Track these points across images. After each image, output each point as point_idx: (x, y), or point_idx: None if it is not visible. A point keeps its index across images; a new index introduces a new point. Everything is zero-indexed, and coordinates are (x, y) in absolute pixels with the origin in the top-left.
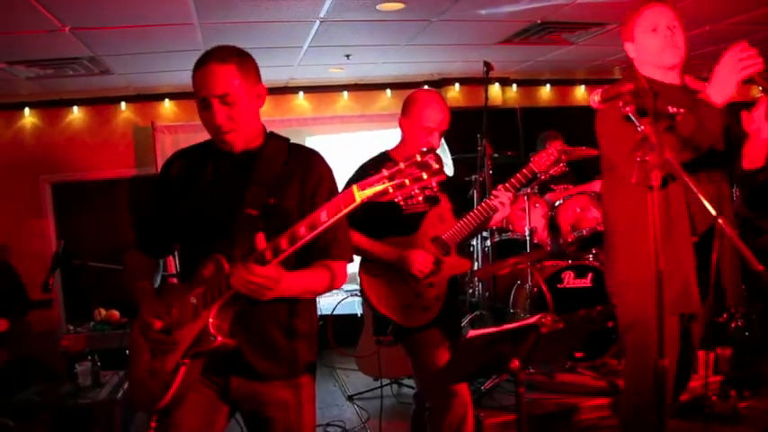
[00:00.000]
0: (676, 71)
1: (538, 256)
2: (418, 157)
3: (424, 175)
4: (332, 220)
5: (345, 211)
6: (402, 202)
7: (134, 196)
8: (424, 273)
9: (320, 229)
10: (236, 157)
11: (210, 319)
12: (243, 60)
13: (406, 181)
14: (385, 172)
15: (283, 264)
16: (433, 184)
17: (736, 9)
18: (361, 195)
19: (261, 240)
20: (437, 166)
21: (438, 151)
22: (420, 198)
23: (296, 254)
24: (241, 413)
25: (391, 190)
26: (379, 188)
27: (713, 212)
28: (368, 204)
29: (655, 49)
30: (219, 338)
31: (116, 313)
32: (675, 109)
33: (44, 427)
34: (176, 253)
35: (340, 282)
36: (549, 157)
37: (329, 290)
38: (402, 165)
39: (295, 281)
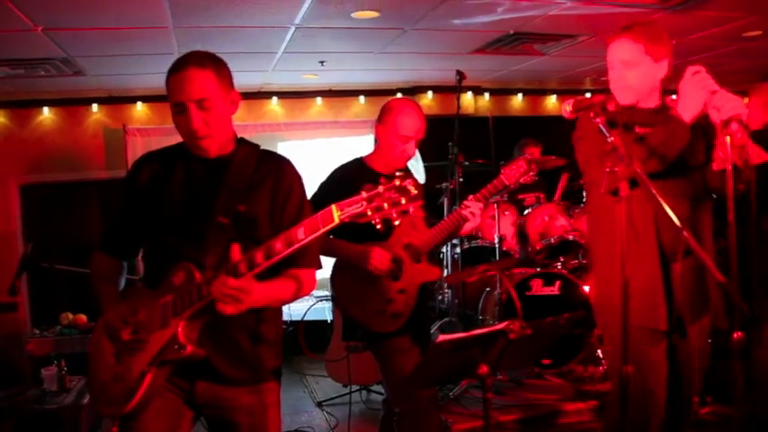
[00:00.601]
0: (655, 93)
1: (507, 264)
2: (397, 182)
3: (403, 200)
4: (309, 239)
5: (323, 230)
6: (380, 224)
7: (104, 199)
8: (381, 270)
9: (296, 246)
10: (208, 162)
11: (180, 328)
12: (219, 66)
13: (385, 205)
14: (364, 194)
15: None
16: (411, 210)
17: (701, 25)
18: (339, 216)
19: (236, 252)
20: (415, 192)
21: (411, 159)
22: (395, 220)
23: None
24: (205, 418)
25: (369, 212)
26: (357, 210)
27: (678, 224)
28: None
29: (612, 86)
30: (189, 348)
31: (83, 317)
32: (644, 130)
33: None
34: (141, 256)
35: (308, 289)
36: (519, 168)
37: (297, 298)
38: (381, 188)
39: (264, 292)
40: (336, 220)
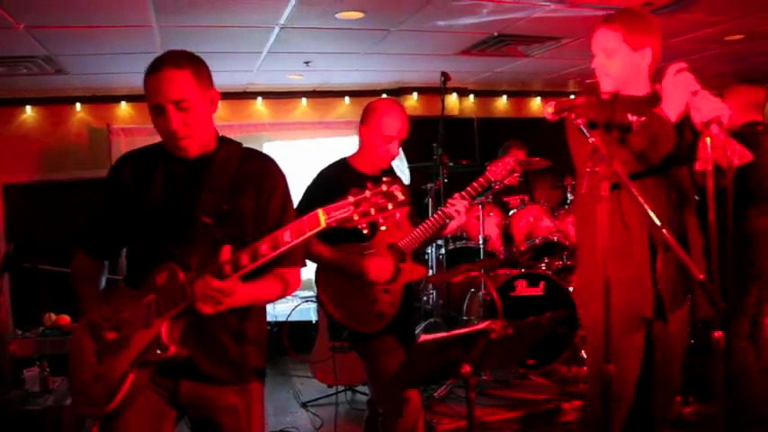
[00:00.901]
0: (642, 81)
1: (491, 264)
2: (384, 187)
3: (390, 206)
4: (295, 242)
5: (309, 234)
6: (366, 229)
7: (88, 199)
8: (386, 278)
9: (282, 249)
10: (189, 162)
11: (163, 329)
12: (197, 65)
13: (372, 210)
14: (351, 198)
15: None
16: (397, 216)
17: (685, 28)
18: (326, 220)
19: (226, 253)
20: (402, 198)
21: (395, 160)
22: (381, 225)
23: None
24: (189, 418)
25: (356, 217)
26: (344, 214)
27: (657, 223)
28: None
29: (596, 74)
30: (173, 348)
31: (66, 318)
32: (634, 117)
33: None
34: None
35: (293, 288)
36: (506, 166)
37: (282, 297)
38: (368, 193)
39: (248, 292)
40: (323, 224)
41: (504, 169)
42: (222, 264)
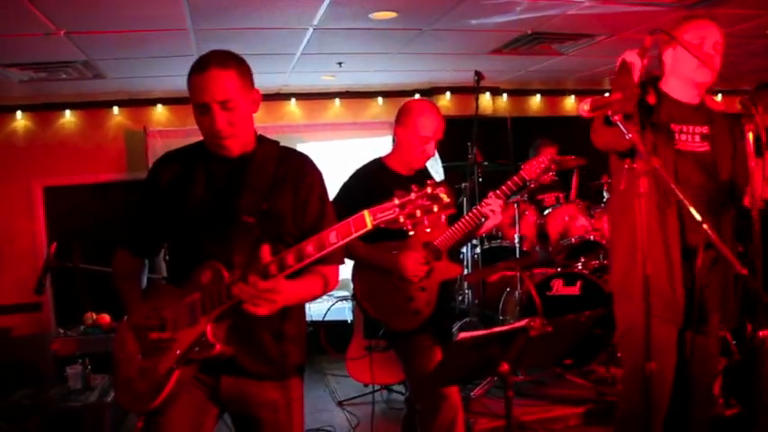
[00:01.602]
0: (700, 89)
1: (527, 262)
2: (429, 189)
3: (435, 208)
4: (341, 243)
5: (356, 234)
6: (412, 230)
7: (126, 200)
8: (419, 275)
9: (328, 250)
10: (230, 161)
11: (209, 327)
12: (241, 66)
13: (417, 212)
14: (396, 201)
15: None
16: (443, 218)
17: (724, 23)
18: (372, 222)
19: (266, 252)
20: (447, 200)
21: (430, 160)
22: (426, 226)
23: None
24: (230, 414)
25: (402, 219)
26: (390, 216)
27: (698, 218)
28: (363, 208)
29: (693, 64)
30: (218, 346)
31: (106, 317)
32: (678, 127)
33: (35, 429)
34: (165, 255)
35: (333, 285)
36: (540, 165)
37: (323, 294)
38: (413, 195)
39: (295, 290)
40: (369, 226)
41: (538, 168)
42: (268, 264)
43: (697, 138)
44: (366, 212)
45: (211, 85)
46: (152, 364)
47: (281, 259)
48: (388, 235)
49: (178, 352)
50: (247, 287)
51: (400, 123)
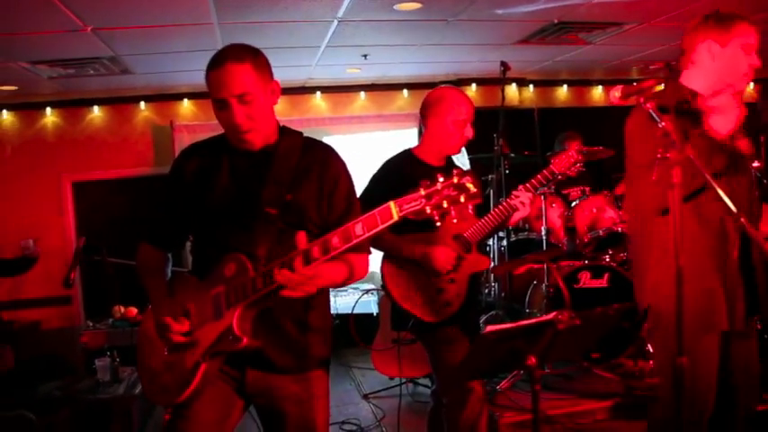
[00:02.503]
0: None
1: (554, 254)
2: (455, 179)
3: (462, 198)
4: (368, 235)
5: (382, 227)
6: (438, 220)
7: (153, 194)
8: (448, 269)
9: (354, 242)
10: (252, 155)
11: (235, 320)
12: (257, 58)
13: (444, 203)
14: (422, 191)
15: None
16: (470, 208)
17: (757, 7)
18: (398, 213)
19: (302, 239)
20: (474, 190)
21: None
22: (453, 216)
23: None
24: (255, 407)
25: (428, 210)
26: (416, 207)
27: (734, 210)
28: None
29: (738, 71)
30: (246, 340)
31: (134, 310)
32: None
33: (64, 420)
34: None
35: (359, 274)
36: (569, 158)
37: (350, 282)
38: (439, 185)
39: (325, 274)
40: (396, 218)
41: (567, 161)
42: (293, 257)
43: None
44: (392, 203)
45: (227, 80)
46: (178, 358)
47: (307, 252)
48: (418, 226)
49: (204, 346)
50: (292, 273)
51: (433, 114)
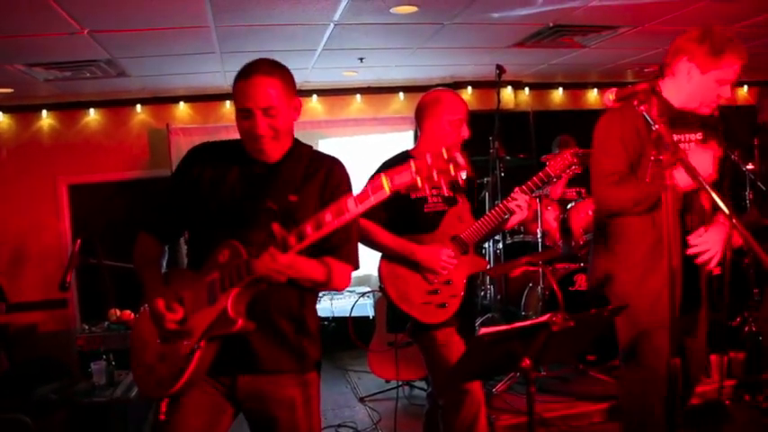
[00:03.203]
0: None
1: (549, 256)
2: (444, 153)
3: (452, 169)
4: (360, 209)
5: (374, 199)
6: (428, 195)
7: (149, 197)
8: (447, 269)
9: (347, 216)
10: (265, 165)
11: (230, 303)
12: (285, 74)
13: (434, 174)
14: (413, 165)
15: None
16: (461, 179)
17: (748, 12)
18: (390, 186)
19: (277, 229)
20: (462, 161)
21: None
22: (443, 193)
23: (309, 249)
24: (245, 413)
25: (419, 182)
26: (406, 179)
27: (727, 212)
28: (391, 203)
29: (708, 98)
30: (240, 321)
31: (130, 314)
32: (677, 136)
33: (60, 424)
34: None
35: (339, 282)
36: (564, 161)
37: (327, 286)
38: (429, 159)
39: (302, 265)
40: (387, 191)
41: (563, 164)
42: (287, 235)
43: (692, 145)
44: (383, 176)
45: (255, 92)
46: (172, 348)
47: (301, 230)
48: (416, 228)
49: (199, 332)
50: (266, 259)
51: (428, 115)
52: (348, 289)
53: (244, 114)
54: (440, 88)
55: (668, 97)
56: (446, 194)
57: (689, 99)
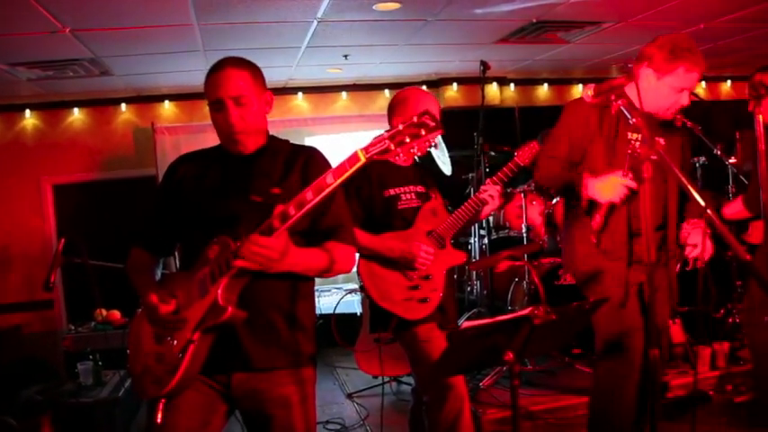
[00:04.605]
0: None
1: (530, 250)
2: (415, 119)
3: (423, 132)
4: (338, 182)
5: (351, 171)
6: (401, 160)
7: (134, 196)
8: (426, 264)
9: (326, 191)
10: (244, 157)
11: (219, 292)
12: (254, 68)
13: (407, 138)
14: (385, 134)
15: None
16: (432, 141)
17: (730, 7)
18: (365, 155)
19: (279, 210)
20: (433, 124)
21: (437, 150)
22: (417, 151)
23: (304, 235)
24: (240, 411)
25: (392, 147)
26: (381, 147)
27: (702, 203)
28: (365, 202)
29: (666, 104)
30: (231, 309)
31: (117, 313)
32: (636, 136)
33: (46, 425)
34: (177, 254)
35: (343, 263)
36: (532, 150)
37: (332, 270)
38: (401, 126)
39: (300, 255)
40: (363, 159)
41: (530, 153)
42: (271, 219)
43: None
44: (359, 150)
45: (226, 82)
46: (166, 347)
47: (283, 212)
48: (391, 225)
49: (192, 325)
50: (249, 244)
51: (399, 113)
52: (335, 285)
53: (216, 107)
54: (407, 89)
55: (635, 101)
56: (419, 190)
57: (648, 103)
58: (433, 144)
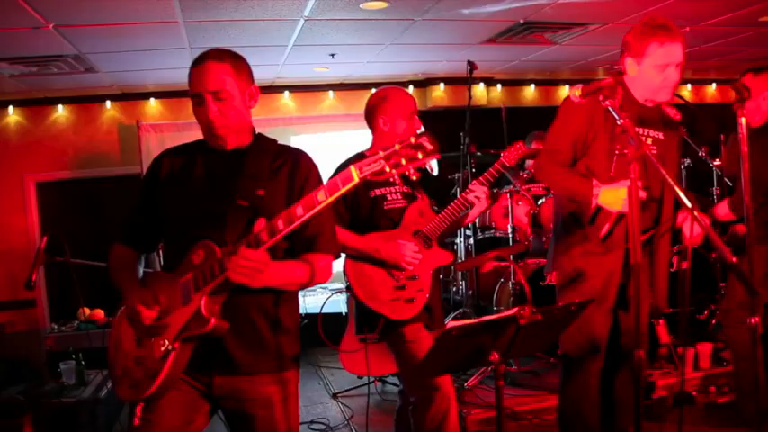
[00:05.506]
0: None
1: (516, 251)
2: (412, 139)
3: (420, 155)
4: (330, 200)
5: (343, 189)
6: (396, 179)
7: (119, 194)
8: (413, 264)
9: (317, 208)
10: (227, 153)
11: (203, 302)
12: (237, 60)
13: (403, 161)
14: (381, 153)
15: (271, 252)
16: (428, 166)
17: (716, 11)
18: (359, 174)
19: (260, 223)
20: (431, 147)
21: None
22: (403, 189)
23: (284, 246)
24: (223, 411)
25: (388, 169)
26: (376, 168)
27: (689, 204)
28: (352, 203)
29: (654, 85)
30: (214, 320)
31: (100, 312)
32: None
33: (28, 425)
34: (161, 250)
35: (322, 276)
36: (518, 151)
37: (312, 283)
38: (398, 147)
39: (279, 269)
40: (356, 179)
41: (516, 154)
42: (258, 232)
43: (649, 141)
44: (353, 167)
45: (205, 76)
46: (147, 350)
47: (272, 225)
48: (378, 226)
49: (174, 332)
50: (236, 257)
51: (380, 112)
52: (320, 285)
53: (197, 101)
54: (384, 88)
55: (634, 93)
56: (405, 190)
57: (642, 91)
58: (428, 168)
